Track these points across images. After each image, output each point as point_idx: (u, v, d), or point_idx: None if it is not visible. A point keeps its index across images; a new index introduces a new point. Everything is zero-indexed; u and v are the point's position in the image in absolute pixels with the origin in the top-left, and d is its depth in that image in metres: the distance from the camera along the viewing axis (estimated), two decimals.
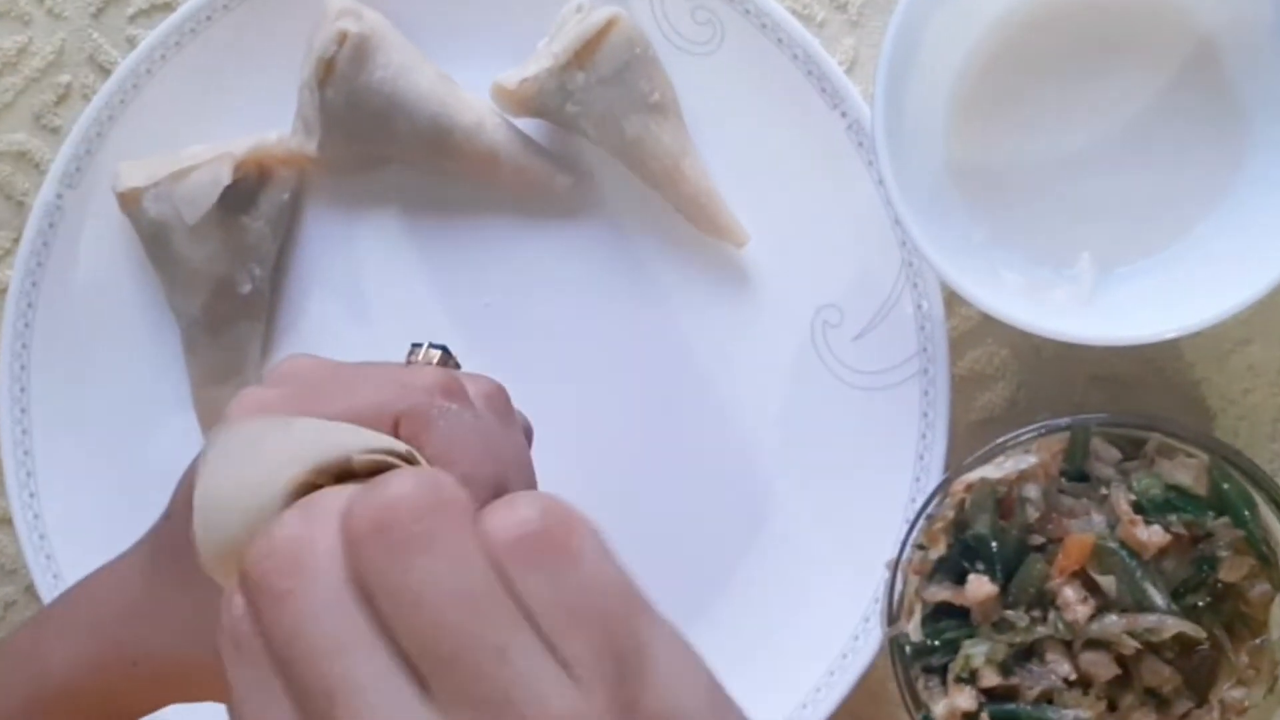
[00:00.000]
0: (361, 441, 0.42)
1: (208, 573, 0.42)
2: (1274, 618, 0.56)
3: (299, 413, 0.44)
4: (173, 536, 0.49)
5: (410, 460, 0.42)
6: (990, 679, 0.56)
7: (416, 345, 0.51)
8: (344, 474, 0.42)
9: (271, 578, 0.32)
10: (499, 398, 0.49)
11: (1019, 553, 0.56)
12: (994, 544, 0.56)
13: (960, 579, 0.57)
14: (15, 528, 0.64)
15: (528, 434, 0.51)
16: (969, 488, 0.57)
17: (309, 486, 0.43)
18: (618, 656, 0.32)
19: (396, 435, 0.44)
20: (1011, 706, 0.56)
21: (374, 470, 0.41)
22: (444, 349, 0.50)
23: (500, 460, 0.45)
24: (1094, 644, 0.56)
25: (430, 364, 0.49)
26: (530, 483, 0.48)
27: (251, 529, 0.42)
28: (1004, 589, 0.56)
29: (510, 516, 0.32)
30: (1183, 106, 0.59)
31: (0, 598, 0.66)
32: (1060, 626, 0.56)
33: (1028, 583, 0.56)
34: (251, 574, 0.33)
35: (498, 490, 0.44)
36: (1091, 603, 0.55)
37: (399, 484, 0.32)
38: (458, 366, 0.50)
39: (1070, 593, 0.55)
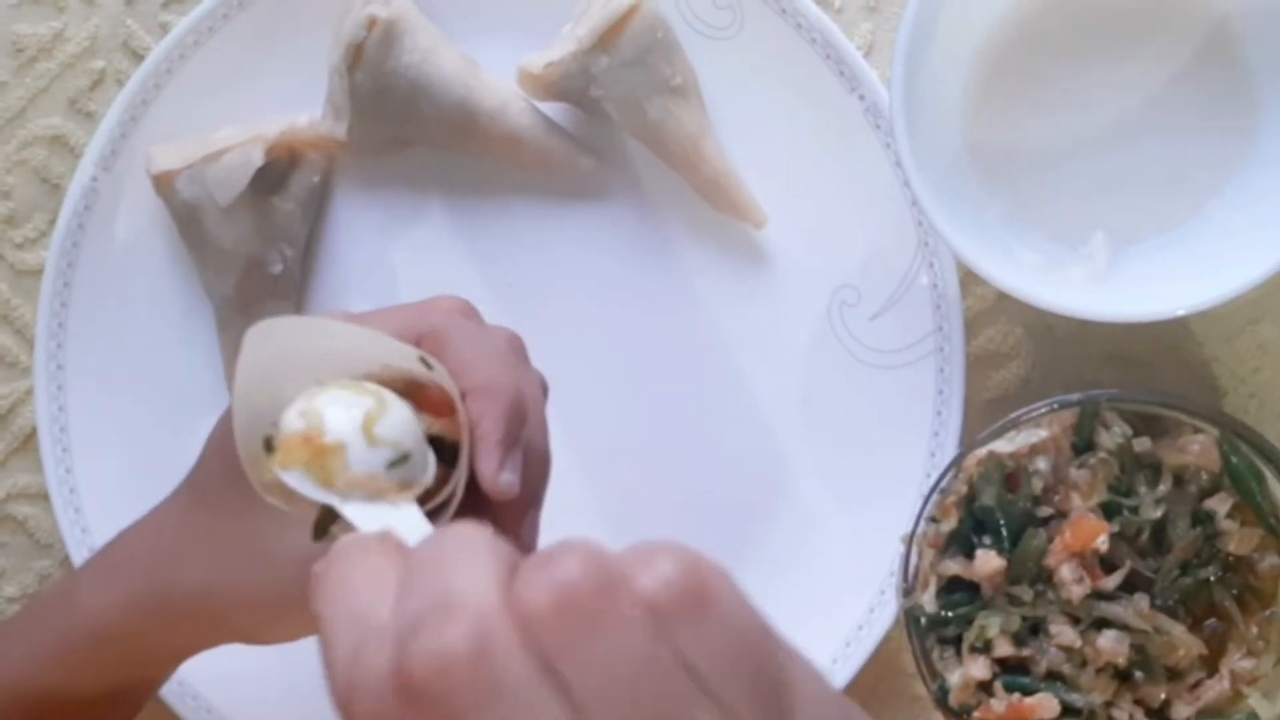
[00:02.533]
0: (387, 351, 0.45)
1: (246, 471, 0.44)
2: None
3: None
4: (205, 478, 0.52)
5: (428, 369, 0.45)
6: (1004, 649, 0.57)
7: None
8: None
9: (463, 689, 0.30)
10: (517, 342, 0.51)
11: (1025, 525, 0.57)
12: (1000, 516, 0.57)
13: (972, 552, 0.58)
14: (51, 502, 0.65)
15: (544, 390, 0.52)
16: (980, 463, 0.58)
17: None
18: (770, 695, 0.32)
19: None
20: (1026, 680, 0.57)
21: (400, 384, 0.45)
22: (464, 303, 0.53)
23: (517, 381, 0.47)
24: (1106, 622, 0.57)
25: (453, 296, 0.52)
26: (542, 428, 0.50)
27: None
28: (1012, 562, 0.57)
29: (656, 575, 0.31)
30: (1197, 86, 0.60)
31: (37, 571, 0.68)
32: (1060, 603, 0.57)
33: (1027, 557, 0.57)
34: (432, 687, 0.30)
35: (516, 411, 0.46)
36: (1088, 582, 0.56)
37: (568, 564, 0.31)
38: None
39: (1067, 571, 0.56)
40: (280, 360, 0.45)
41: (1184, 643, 0.56)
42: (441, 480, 0.45)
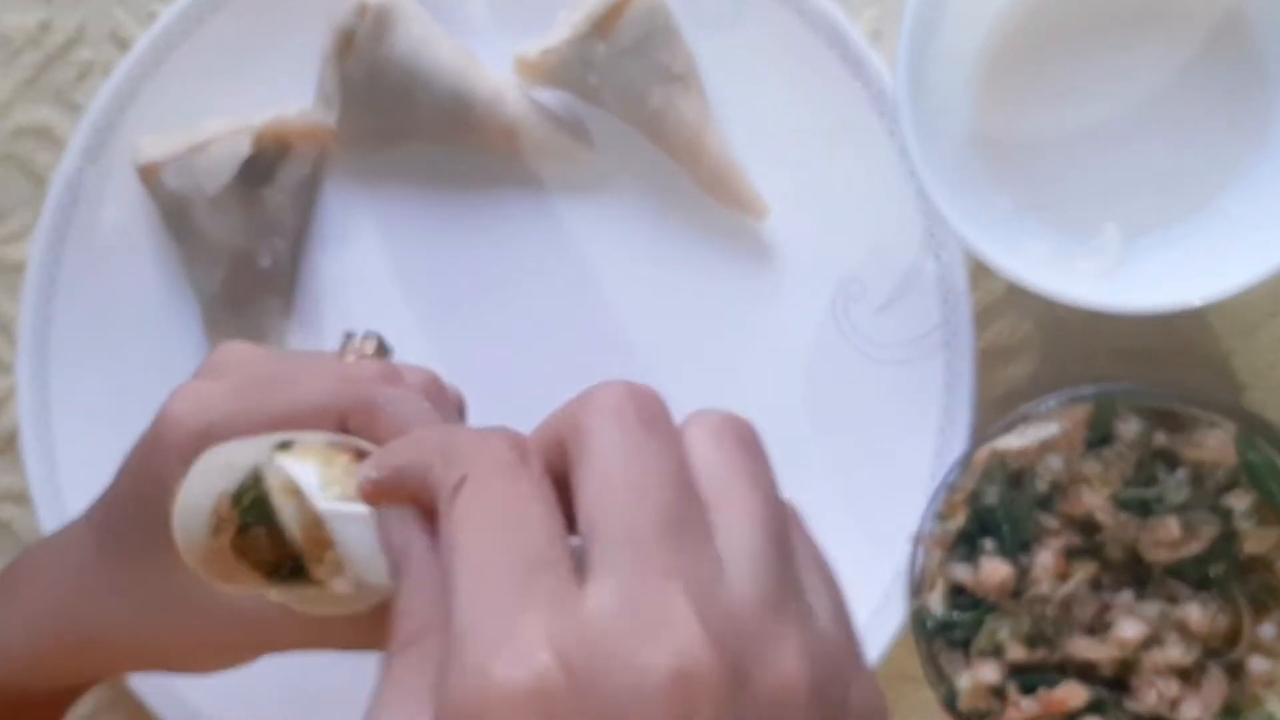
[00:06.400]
0: (316, 440, 0.42)
1: (196, 571, 0.42)
2: None
3: (240, 408, 0.44)
4: (118, 522, 0.49)
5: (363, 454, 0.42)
6: (1016, 653, 0.56)
7: (350, 334, 0.50)
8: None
9: None
10: (433, 386, 0.47)
11: (1030, 525, 0.56)
12: (1003, 517, 0.56)
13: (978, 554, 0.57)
14: (34, 503, 0.64)
15: (461, 410, 0.50)
16: (986, 459, 0.56)
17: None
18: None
19: (345, 430, 0.43)
20: (1039, 678, 0.56)
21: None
22: (379, 337, 0.50)
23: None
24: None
25: (366, 354, 0.49)
26: None
27: (213, 530, 0.42)
28: (1017, 561, 0.56)
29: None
30: (1209, 76, 0.59)
31: None
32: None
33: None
34: None
35: None
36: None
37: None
38: (391, 352, 0.50)
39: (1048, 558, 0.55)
40: (213, 472, 0.43)
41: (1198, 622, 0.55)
42: None
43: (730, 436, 0.33)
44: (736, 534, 0.31)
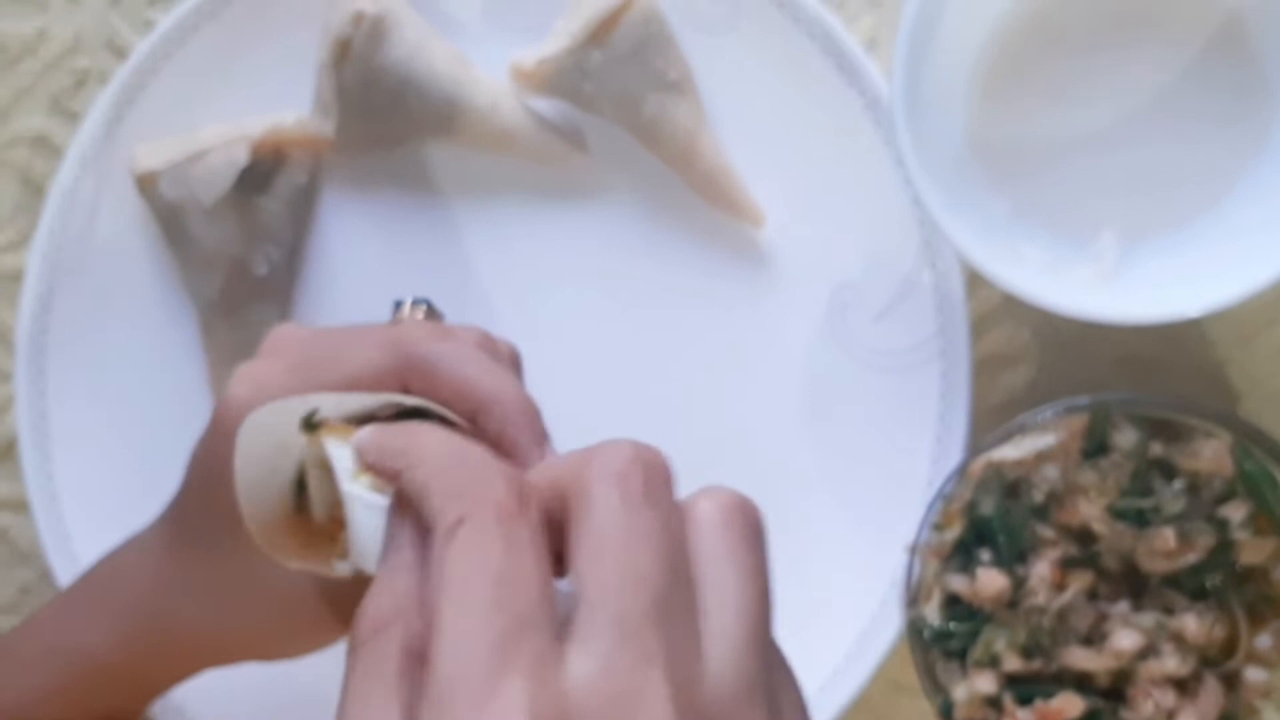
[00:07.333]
0: (374, 401, 0.42)
1: (265, 548, 0.42)
2: None
3: (299, 385, 0.44)
4: (190, 513, 0.50)
5: (425, 411, 0.42)
6: (1012, 663, 0.56)
7: (399, 302, 0.50)
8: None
9: None
10: (486, 343, 0.48)
11: (1026, 536, 0.56)
12: (999, 528, 0.56)
13: (974, 564, 0.56)
14: (32, 511, 0.64)
15: (515, 363, 0.50)
16: (981, 469, 0.56)
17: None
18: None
19: (407, 394, 0.43)
20: (1036, 689, 0.56)
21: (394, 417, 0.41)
22: (427, 303, 0.50)
23: (512, 383, 0.44)
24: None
25: (417, 320, 0.49)
26: None
27: (285, 503, 0.42)
28: (1013, 572, 0.56)
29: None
30: (1208, 81, 0.58)
31: (18, 582, 0.66)
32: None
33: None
34: None
35: (530, 409, 0.43)
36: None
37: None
38: (443, 318, 0.49)
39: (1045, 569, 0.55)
40: (270, 439, 0.42)
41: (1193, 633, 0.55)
42: None
43: (739, 523, 0.33)
44: (723, 622, 0.31)
